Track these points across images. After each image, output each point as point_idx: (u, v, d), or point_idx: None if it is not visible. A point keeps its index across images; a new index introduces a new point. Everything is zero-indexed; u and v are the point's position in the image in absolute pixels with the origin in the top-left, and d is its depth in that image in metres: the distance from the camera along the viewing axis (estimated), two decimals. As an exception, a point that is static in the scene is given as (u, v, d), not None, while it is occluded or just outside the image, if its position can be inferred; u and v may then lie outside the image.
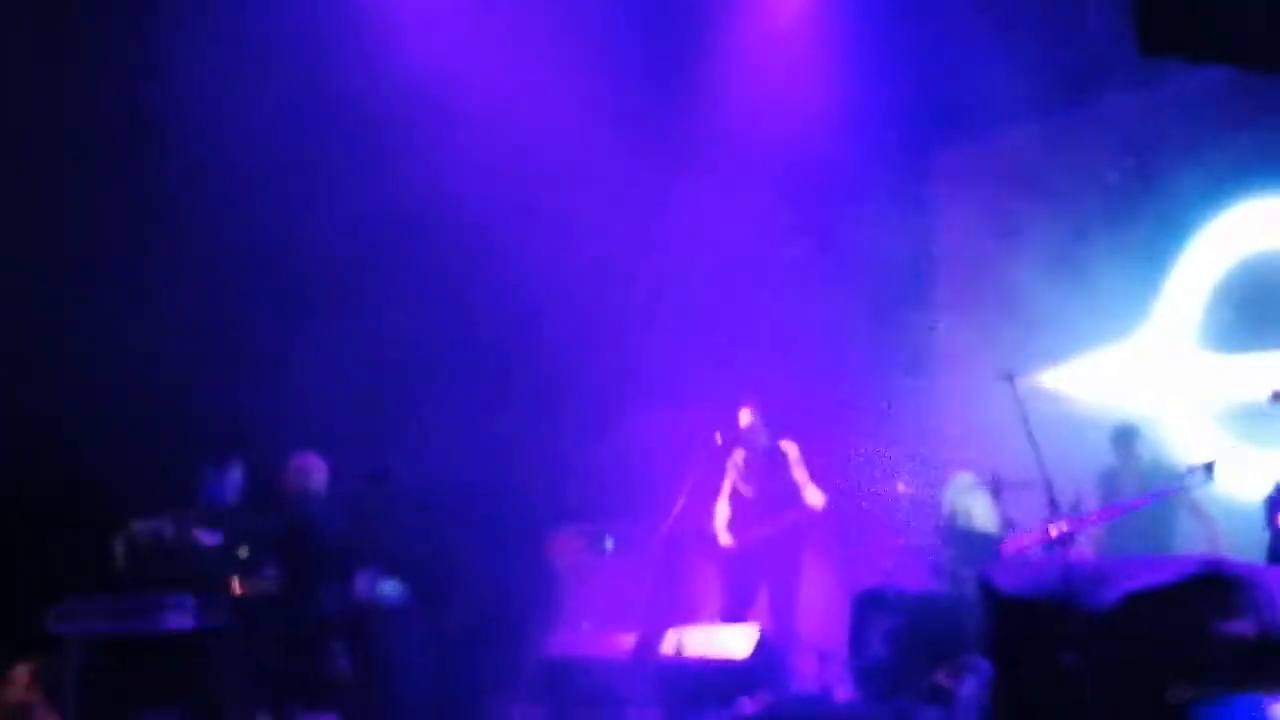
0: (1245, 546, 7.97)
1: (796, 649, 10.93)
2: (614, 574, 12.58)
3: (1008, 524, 10.02)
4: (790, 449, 11.32)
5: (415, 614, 12.41)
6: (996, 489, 10.34)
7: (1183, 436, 11.49)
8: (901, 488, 10.65)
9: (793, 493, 11.23)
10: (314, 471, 10.80)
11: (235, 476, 10.79)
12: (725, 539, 11.38)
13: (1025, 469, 9.84)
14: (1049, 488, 9.60)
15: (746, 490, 11.41)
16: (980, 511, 10.92)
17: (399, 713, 11.16)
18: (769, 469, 11.35)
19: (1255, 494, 10.04)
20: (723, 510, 11.49)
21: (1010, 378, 9.89)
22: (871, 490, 10.94)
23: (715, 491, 11.45)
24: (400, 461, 9.00)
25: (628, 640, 11.07)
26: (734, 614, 11.32)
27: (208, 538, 10.60)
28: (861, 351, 12.33)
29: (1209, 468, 8.11)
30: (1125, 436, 11.06)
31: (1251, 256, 11.59)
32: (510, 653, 12.48)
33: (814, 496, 11.11)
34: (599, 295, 12.58)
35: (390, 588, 11.73)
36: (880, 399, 12.10)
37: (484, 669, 12.77)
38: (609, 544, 12.92)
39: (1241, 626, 6.54)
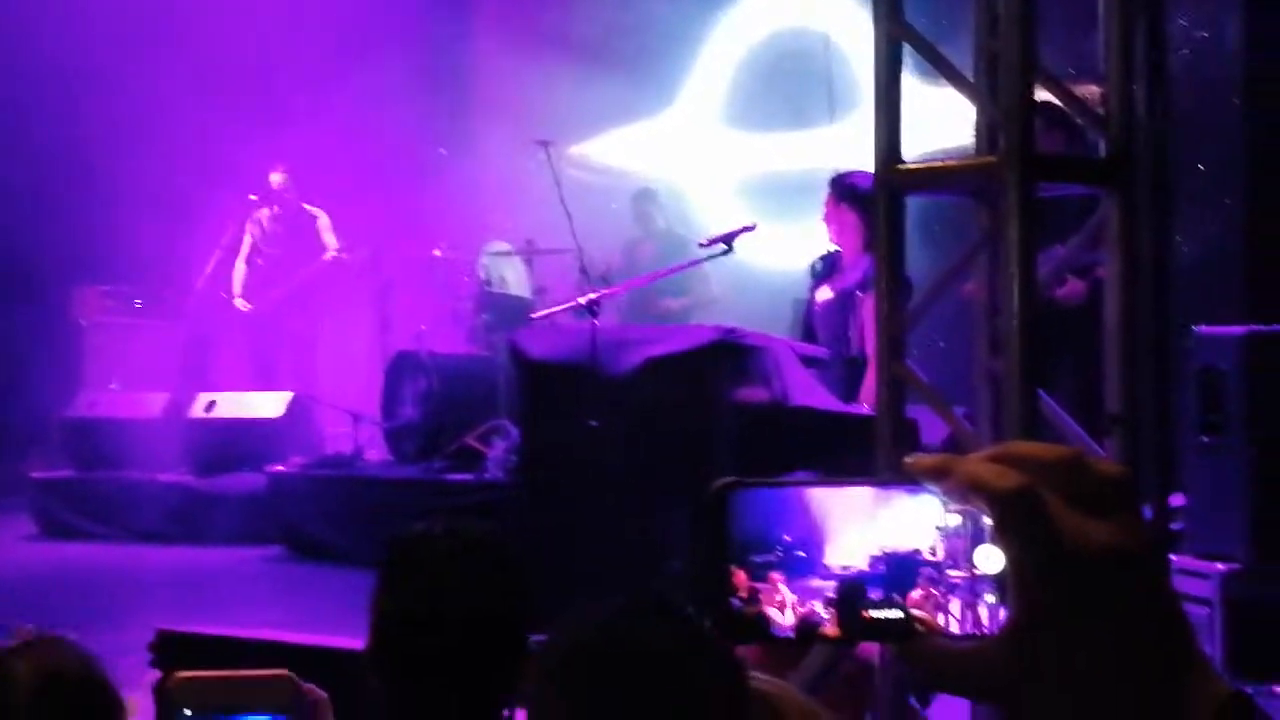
0: (760, 317, 8.40)
1: (328, 411, 10.97)
2: (144, 335, 12.32)
3: (539, 290, 10.24)
4: (320, 214, 11.21)
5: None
6: (529, 256, 10.54)
7: (705, 207, 11.93)
8: (438, 252, 10.72)
9: (316, 257, 11.19)
10: None
11: None
12: (241, 304, 11.24)
13: (558, 237, 10.10)
14: (580, 255, 9.89)
15: (269, 252, 11.27)
16: (513, 277, 11.14)
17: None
18: (294, 232, 11.24)
19: (773, 265, 10.58)
20: (239, 272, 11.32)
21: (545, 146, 10.05)
22: (408, 255, 10.97)
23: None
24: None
25: (157, 401, 10.93)
26: (261, 378, 11.27)
27: None
28: (400, 121, 12.25)
29: (730, 239, 8.43)
30: (641, 200, 11.45)
31: (777, 35, 12.01)
32: (30, 413, 12.13)
33: (331, 249, 11.08)
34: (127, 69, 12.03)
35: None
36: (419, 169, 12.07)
37: (2, 429, 12.40)
38: (137, 304, 12.62)
39: (753, 393, 6.91)
